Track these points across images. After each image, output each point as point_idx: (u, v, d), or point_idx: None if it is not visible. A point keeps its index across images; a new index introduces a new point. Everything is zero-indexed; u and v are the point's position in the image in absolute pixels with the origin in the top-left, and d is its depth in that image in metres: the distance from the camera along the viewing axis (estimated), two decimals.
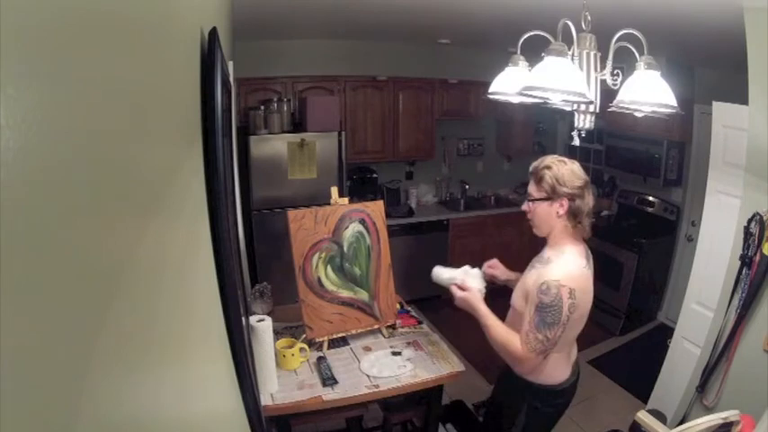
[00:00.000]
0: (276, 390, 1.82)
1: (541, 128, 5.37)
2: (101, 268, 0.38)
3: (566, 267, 1.63)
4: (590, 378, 3.55)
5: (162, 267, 0.59)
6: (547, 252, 1.76)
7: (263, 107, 3.67)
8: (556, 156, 1.72)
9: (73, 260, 0.33)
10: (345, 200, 2.25)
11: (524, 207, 1.76)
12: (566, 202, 1.66)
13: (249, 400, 1.26)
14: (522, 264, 5.16)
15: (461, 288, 1.84)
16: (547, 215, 1.71)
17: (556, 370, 1.76)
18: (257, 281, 3.27)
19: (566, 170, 1.65)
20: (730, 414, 1.70)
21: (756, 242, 2.06)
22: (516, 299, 1.80)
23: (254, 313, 2.14)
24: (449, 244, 4.61)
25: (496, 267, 2.14)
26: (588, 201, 1.69)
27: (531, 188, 1.73)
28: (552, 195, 1.66)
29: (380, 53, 4.33)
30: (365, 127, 4.34)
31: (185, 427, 0.64)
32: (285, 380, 1.89)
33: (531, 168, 1.73)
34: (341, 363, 2.02)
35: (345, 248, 2.20)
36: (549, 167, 1.66)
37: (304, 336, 2.06)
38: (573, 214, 1.68)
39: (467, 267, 1.93)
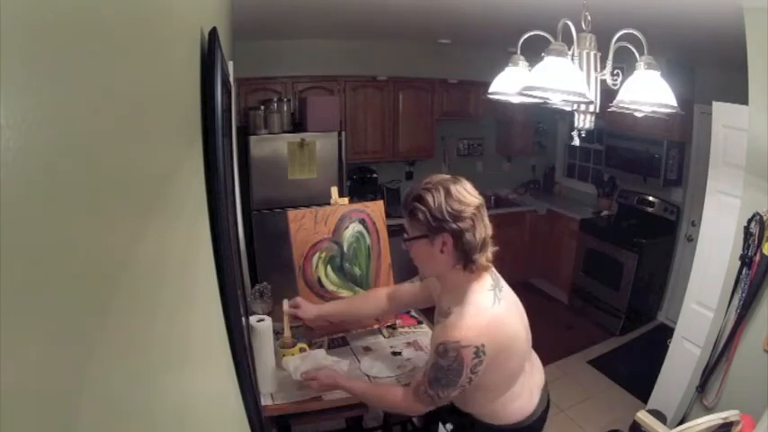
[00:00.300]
0: (276, 390, 1.82)
1: (541, 128, 5.37)
2: (101, 268, 0.38)
3: (470, 321, 1.31)
4: (590, 378, 3.56)
5: (162, 267, 0.59)
6: (444, 300, 1.46)
7: (263, 107, 3.66)
8: (438, 176, 1.39)
9: (73, 260, 0.33)
10: (345, 200, 2.25)
11: (403, 246, 1.47)
12: (449, 239, 1.32)
13: (249, 400, 1.26)
14: (522, 263, 5.21)
15: (313, 378, 1.64)
16: (428, 256, 1.38)
17: (513, 406, 1.51)
18: (257, 281, 3.26)
19: (443, 198, 1.31)
20: (730, 414, 1.70)
21: (756, 242, 2.06)
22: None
23: (254, 313, 2.14)
24: None
25: (300, 306, 1.87)
26: (481, 231, 1.34)
27: (405, 223, 1.42)
28: (429, 232, 1.34)
29: (380, 53, 4.33)
30: (365, 127, 4.34)
31: (185, 426, 0.64)
32: (285, 380, 1.89)
33: (402, 198, 1.41)
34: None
35: (345, 248, 2.20)
36: (420, 198, 1.34)
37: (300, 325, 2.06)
38: (462, 251, 1.33)
39: (307, 353, 1.80)
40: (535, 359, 1.65)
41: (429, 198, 1.32)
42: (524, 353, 1.49)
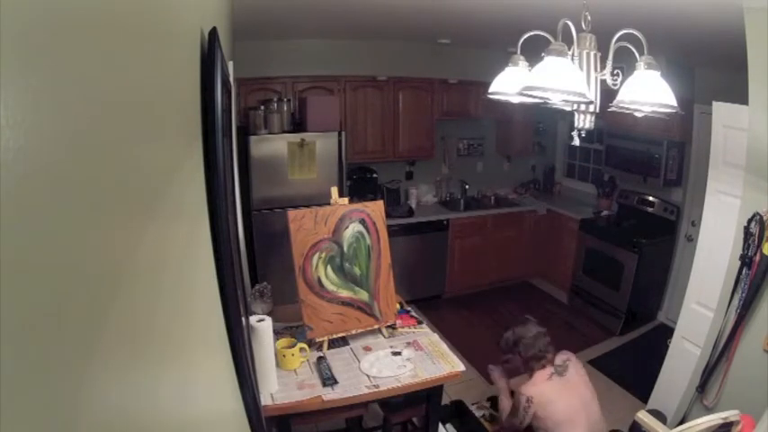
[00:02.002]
0: (276, 390, 1.82)
1: (541, 128, 5.37)
2: (101, 268, 0.38)
3: (526, 384, 2.37)
4: (590, 378, 3.55)
5: (162, 267, 0.59)
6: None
7: (263, 107, 3.66)
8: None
9: (73, 260, 0.33)
10: (345, 200, 2.25)
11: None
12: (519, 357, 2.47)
13: (249, 400, 1.26)
14: (523, 263, 5.22)
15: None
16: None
17: None
18: (257, 281, 3.26)
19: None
20: (730, 414, 1.70)
21: (756, 242, 2.06)
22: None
23: (254, 313, 2.14)
24: (449, 244, 4.62)
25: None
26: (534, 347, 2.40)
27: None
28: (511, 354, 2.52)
29: (380, 53, 4.32)
30: (365, 127, 4.34)
31: (185, 426, 0.64)
32: (285, 380, 1.89)
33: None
34: (341, 363, 2.02)
35: (345, 248, 2.20)
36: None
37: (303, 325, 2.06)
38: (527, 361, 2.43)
39: None
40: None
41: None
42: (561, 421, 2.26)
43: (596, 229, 4.50)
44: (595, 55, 1.52)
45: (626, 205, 4.59)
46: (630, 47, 1.48)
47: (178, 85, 0.75)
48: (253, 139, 3.58)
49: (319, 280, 2.13)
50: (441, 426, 2.05)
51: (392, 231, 2.22)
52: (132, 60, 0.49)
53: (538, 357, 2.37)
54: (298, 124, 3.87)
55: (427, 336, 2.27)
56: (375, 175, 4.55)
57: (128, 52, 0.48)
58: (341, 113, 4.01)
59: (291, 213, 2.10)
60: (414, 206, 4.69)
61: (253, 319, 1.80)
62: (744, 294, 2.09)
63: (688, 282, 2.69)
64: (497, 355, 2.67)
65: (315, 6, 2.76)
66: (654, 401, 2.88)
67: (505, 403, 2.55)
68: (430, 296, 4.64)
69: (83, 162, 0.35)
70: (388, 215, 2.33)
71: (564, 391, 2.32)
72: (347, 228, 2.21)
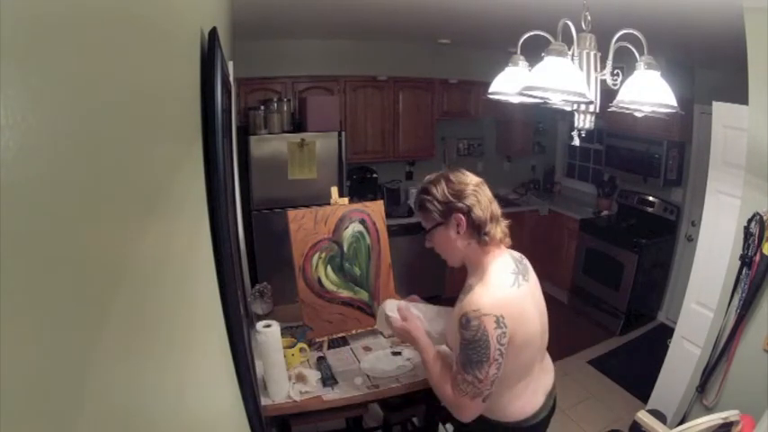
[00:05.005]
0: (286, 393, 1.81)
1: (541, 128, 5.37)
2: (101, 268, 0.38)
3: (487, 292, 1.34)
4: (590, 378, 3.56)
5: (162, 267, 0.58)
6: (469, 279, 1.49)
7: (263, 107, 3.66)
8: (437, 172, 1.55)
9: (73, 260, 0.33)
10: (345, 200, 2.25)
11: (426, 244, 1.56)
12: (461, 218, 1.43)
13: (249, 401, 1.26)
14: None
15: (404, 319, 1.62)
16: (448, 241, 1.46)
17: (514, 404, 1.48)
18: (257, 281, 3.26)
19: (444, 185, 1.46)
20: (730, 414, 1.70)
21: (756, 242, 2.06)
22: (449, 337, 1.53)
23: (254, 313, 2.14)
24: None
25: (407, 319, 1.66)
26: (486, 204, 1.46)
27: (422, 221, 1.53)
28: (442, 218, 1.45)
29: (380, 53, 4.32)
30: (365, 127, 4.34)
31: (185, 426, 0.64)
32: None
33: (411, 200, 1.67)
34: (341, 363, 2.02)
35: (345, 248, 2.20)
36: (426, 191, 1.48)
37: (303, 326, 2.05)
38: (475, 227, 1.43)
39: (417, 303, 1.78)
40: (547, 362, 1.66)
41: (433, 189, 1.47)
42: (537, 349, 1.50)
43: (596, 229, 4.50)
44: (595, 55, 1.52)
45: (626, 205, 4.59)
46: (630, 47, 1.48)
47: (178, 85, 0.75)
48: (253, 139, 3.58)
49: (319, 280, 2.13)
50: (441, 426, 2.05)
51: (392, 231, 2.22)
52: (132, 60, 0.49)
53: (492, 223, 1.47)
54: (298, 124, 3.87)
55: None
56: (375, 175, 4.55)
57: (128, 52, 0.48)
58: (341, 113, 4.01)
59: (291, 213, 2.10)
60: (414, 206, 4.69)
61: (260, 324, 1.76)
62: (744, 294, 2.09)
63: (688, 282, 2.69)
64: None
65: (315, 6, 2.76)
66: (654, 401, 2.88)
67: (437, 360, 1.51)
68: (430, 296, 4.64)
69: (82, 162, 0.35)
70: (388, 215, 2.33)
71: (534, 309, 1.46)
72: (347, 228, 2.21)
